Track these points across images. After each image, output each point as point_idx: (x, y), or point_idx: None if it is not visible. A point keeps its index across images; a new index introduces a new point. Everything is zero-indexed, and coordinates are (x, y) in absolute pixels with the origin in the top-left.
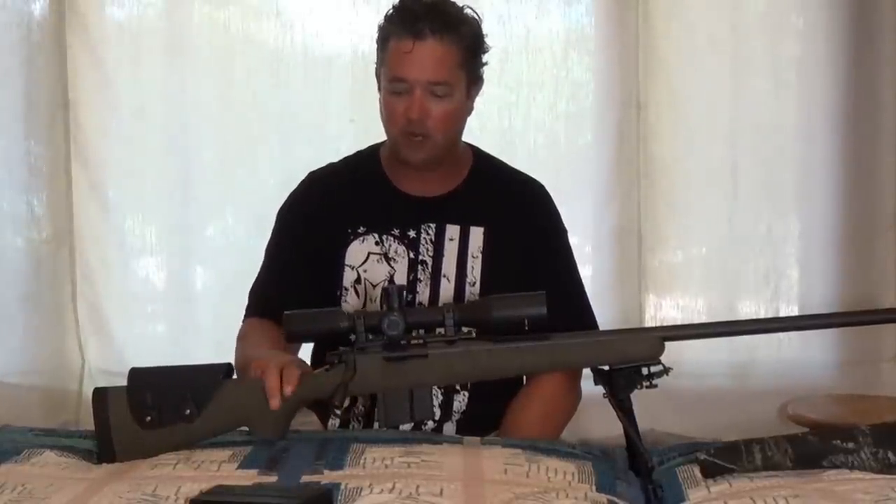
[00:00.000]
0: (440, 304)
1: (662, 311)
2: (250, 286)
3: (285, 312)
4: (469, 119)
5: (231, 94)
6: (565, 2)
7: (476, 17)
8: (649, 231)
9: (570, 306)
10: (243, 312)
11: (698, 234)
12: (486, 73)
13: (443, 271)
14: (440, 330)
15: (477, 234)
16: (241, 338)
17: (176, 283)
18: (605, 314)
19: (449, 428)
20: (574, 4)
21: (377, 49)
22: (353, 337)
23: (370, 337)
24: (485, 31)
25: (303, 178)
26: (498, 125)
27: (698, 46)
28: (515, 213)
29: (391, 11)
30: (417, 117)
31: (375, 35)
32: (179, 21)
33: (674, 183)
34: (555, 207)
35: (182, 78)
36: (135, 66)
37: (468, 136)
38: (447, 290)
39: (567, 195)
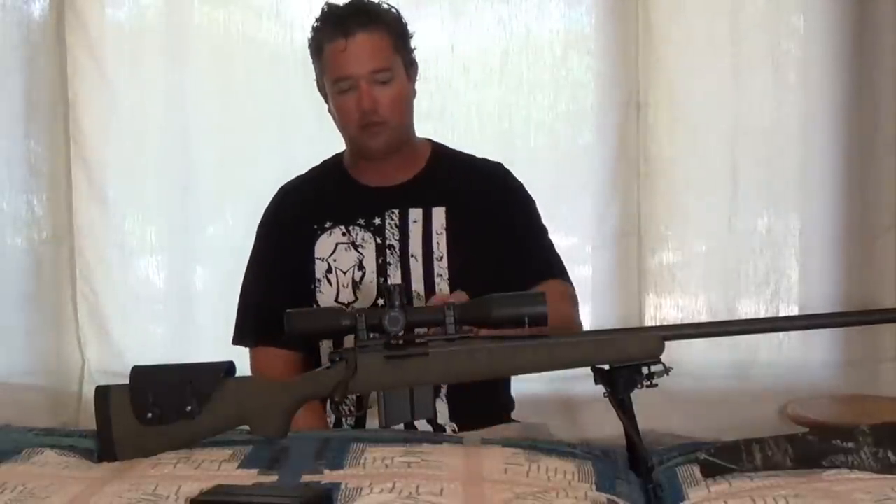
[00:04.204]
0: (412, 282)
1: (662, 311)
2: (241, 301)
3: (287, 311)
4: (469, 119)
5: (231, 94)
6: (565, 2)
7: (394, 9)
8: (649, 231)
9: (533, 257)
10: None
11: (698, 234)
12: (486, 73)
13: (410, 252)
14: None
15: (439, 213)
16: (266, 369)
17: (176, 283)
18: (605, 314)
19: (441, 407)
20: (574, 4)
21: (314, 63)
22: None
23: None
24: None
25: (275, 192)
26: (498, 125)
27: (698, 46)
28: (474, 190)
29: (316, 23)
30: (370, 107)
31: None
32: (179, 21)
33: (674, 183)
34: (514, 181)
35: (182, 78)
36: (135, 66)
37: (468, 136)
38: (416, 269)
39: (567, 195)
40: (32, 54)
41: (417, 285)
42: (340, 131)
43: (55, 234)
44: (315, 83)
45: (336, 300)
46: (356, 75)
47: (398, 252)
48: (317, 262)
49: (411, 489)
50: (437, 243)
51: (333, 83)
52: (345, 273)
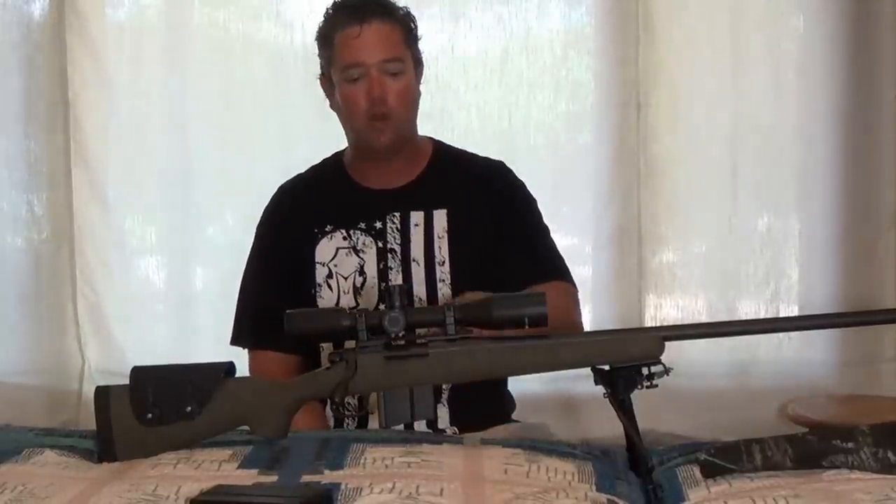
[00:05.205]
0: (413, 287)
1: (662, 311)
2: (239, 302)
3: (287, 311)
4: (469, 119)
5: (231, 94)
6: (565, 2)
7: (405, 8)
8: (649, 231)
9: (535, 258)
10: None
11: (698, 234)
12: (486, 73)
13: (412, 256)
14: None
15: (441, 216)
16: (264, 373)
17: (176, 283)
18: (605, 314)
19: (442, 412)
20: (574, 4)
21: (320, 54)
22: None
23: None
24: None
25: (275, 191)
26: (498, 125)
27: (698, 46)
28: (476, 191)
29: (328, 12)
30: (379, 95)
31: (315, 47)
32: (179, 21)
33: (674, 183)
34: (516, 181)
35: (182, 78)
36: (135, 66)
37: (468, 136)
38: (418, 273)
39: (567, 195)
40: (32, 54)
41: (419, 290)
42: (344, 125)
43: (55, 234)
44: (318, 78)
45: (337, 305)
46: (368, 63)
47: (399, 256)
48: (317, 266)
49: (411, 489)
50: (439, 247)
51: (343, 70)
52: (346, 278)
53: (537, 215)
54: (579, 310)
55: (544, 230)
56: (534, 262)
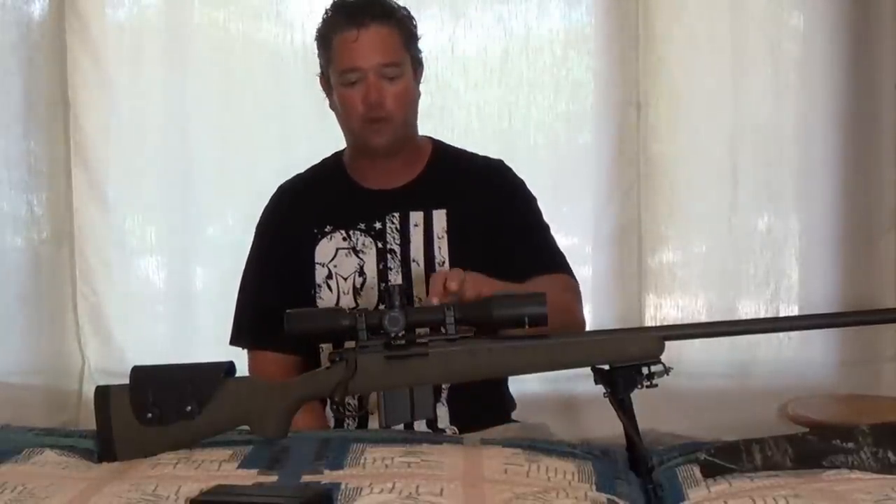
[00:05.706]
0: (413, 287)
1: (662, 311)
2: (238, 301)
3: (287, 311)
4: (469, 119)
5: (231, 94)
6: (565, 2)
7: (406, 9)
8: (649, 231)
9: (537, 252)
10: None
11: (698, 234)
12: (486, 73)
13: (412, 257)
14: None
15: (440, 216)
16: (263, 374)
17: (176, 283)
18: (605, 314)
19: (441, 411)
20: (574, 4)
21: (319, 54)
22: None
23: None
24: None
25: (274, 191)
26: (498, 125)
27: (698, 46)
28: (476, 191)
29: (327, 13)
30: (376, 100)
31: (315, 46)
32: (179, 21)
33: (674, 183)
34: (516, 179)
35: (182, 78)
36: (135, 67)
37: (468, 136)
38: (418, 273)
39: (567, 195)
40: (32, 54)
41: (419, 290)
42: (342, 126)
43: (55, 234)
44: (318, 77)
45: (337, 306)
46: (365, 67)
47: (399, 257)
48: (317, 266)
49: (411, 489)
50: (439, 248)
51: (341, 74)
52: (345, 279)
53: (537, 213)
54: (581, 304)
55: (545, 228)
56: (536, 257)
